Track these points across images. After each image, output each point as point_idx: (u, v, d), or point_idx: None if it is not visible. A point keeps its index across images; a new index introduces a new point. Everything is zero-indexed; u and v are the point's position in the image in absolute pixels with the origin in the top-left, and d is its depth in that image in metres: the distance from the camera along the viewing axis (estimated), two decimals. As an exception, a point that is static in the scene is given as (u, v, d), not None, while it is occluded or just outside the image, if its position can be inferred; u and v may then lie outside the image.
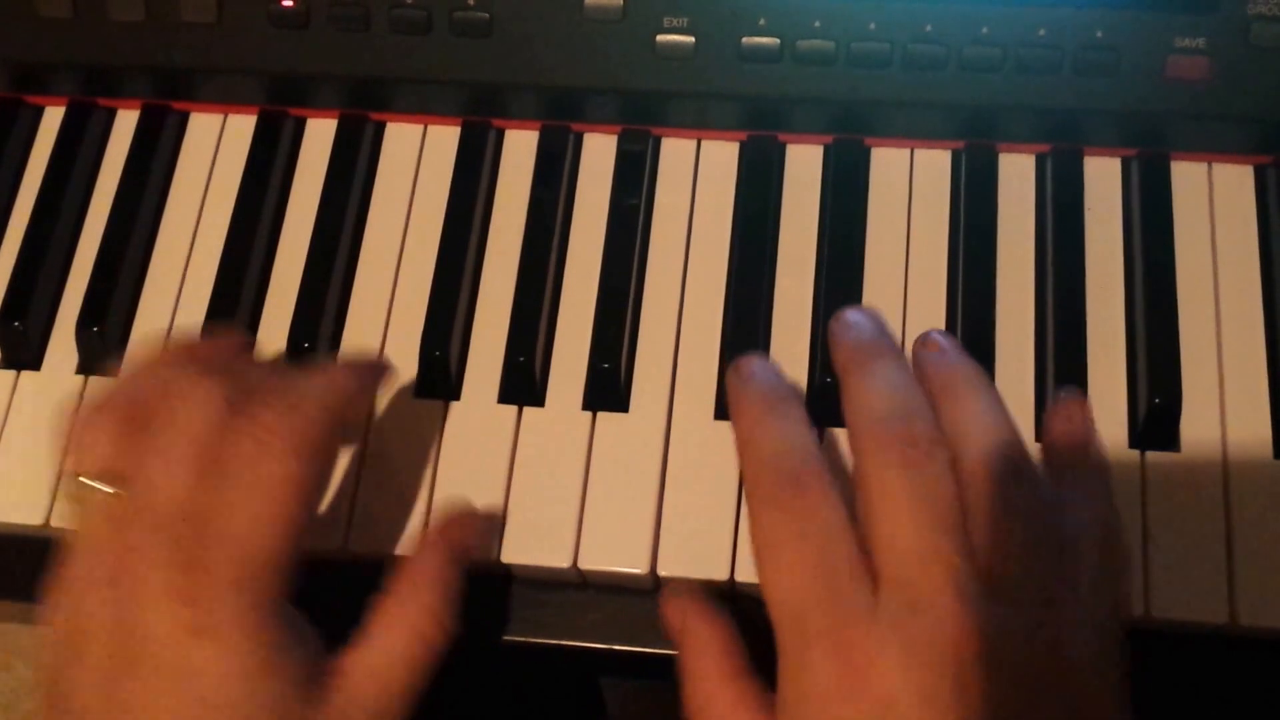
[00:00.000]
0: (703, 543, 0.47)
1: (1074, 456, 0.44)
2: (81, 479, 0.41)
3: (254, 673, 0.38)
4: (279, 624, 0.39)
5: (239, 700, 0.38)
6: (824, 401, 0.48)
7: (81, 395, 0.51)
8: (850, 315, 0.46)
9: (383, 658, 0.41)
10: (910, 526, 0.38)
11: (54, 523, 0.49)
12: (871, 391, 0.42)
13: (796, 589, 0.38)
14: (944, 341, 0.45)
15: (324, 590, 0.43)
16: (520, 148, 0.55)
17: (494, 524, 0.47)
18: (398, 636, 0.41)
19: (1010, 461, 0.40)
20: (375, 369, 0.48)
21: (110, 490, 0.40)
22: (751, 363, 0.45)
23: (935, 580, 0.37)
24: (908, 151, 0.54)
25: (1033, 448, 0.47)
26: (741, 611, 0.45)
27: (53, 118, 0.57)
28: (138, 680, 0.38)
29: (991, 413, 0.42)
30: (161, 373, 0.43)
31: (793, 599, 0.38)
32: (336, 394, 0.43)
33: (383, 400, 0.50)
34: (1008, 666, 0.36)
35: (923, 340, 0.45)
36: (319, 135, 0.56)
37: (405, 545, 0.48)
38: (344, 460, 0.49)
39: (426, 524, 0.48)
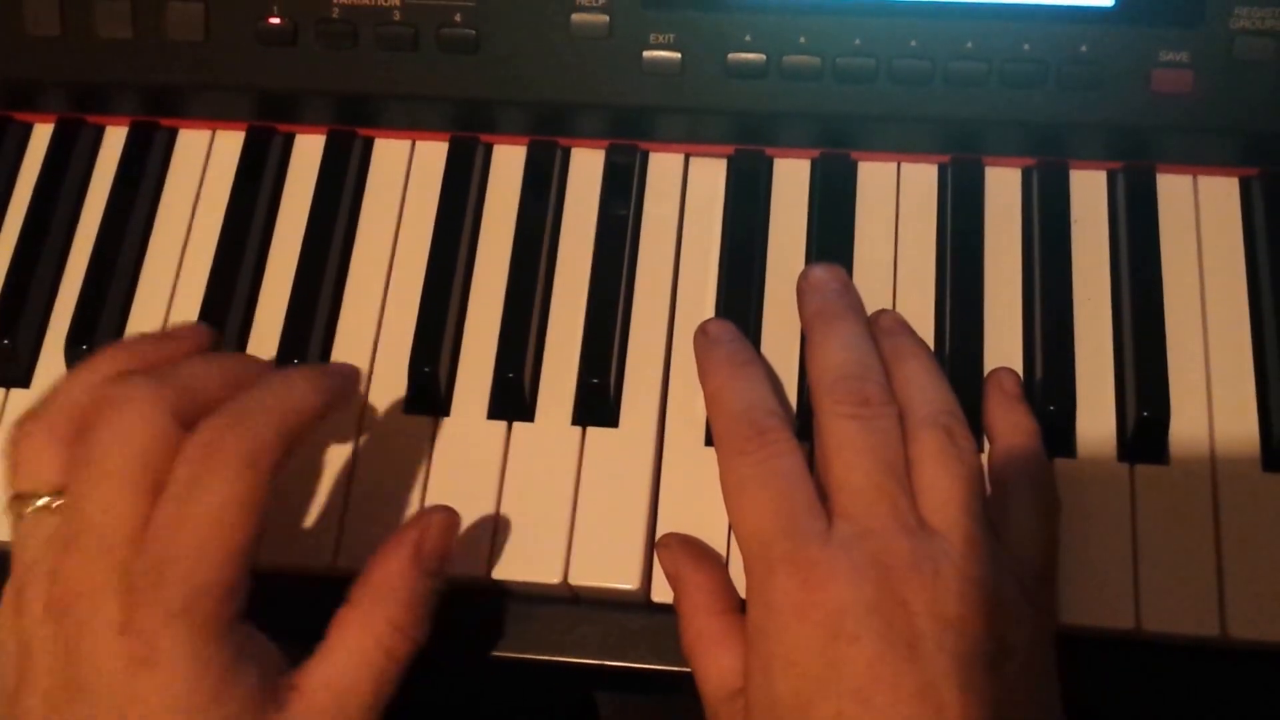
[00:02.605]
0: (692, 557, 0.47)
1: (1007, 416, 0.47)
2: (17, 496, 0.40)
3: (202, 701, 0.37)
4: (227, 648, 0.38)
5: None
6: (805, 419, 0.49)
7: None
8: (816, 275, 0.49)
9: (342, 670, 0.40)
10: (861, 470, 0.42)
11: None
12: (833, 350, 0.46)
13: (762, 522, 0.42)
14: (896, 321, 0.49)
15: (312, 605, 0.43)
16: (508, 163, 0.55)
17: (459, 522, 0.45)
18: (357, 648, 0.40)
19: (950, 418, 0.44)
20: (341, 378, 0.45)
21: (48, 506, 0.39)
22: (718, 325, 0.49)
23: (881, 513, 0.42)
24: (894, 165, 0.54)
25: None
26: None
27: (42, 134, 0.57)
28: (84, 709, 0.37)
29: (934, 379, 0.46)
30: (101, 377, 0.41)
31: (759, 530, 0.42)
32: (293, 407, 0.41)
33: (372, 416, 0.50)
34: (939, 588, 0.40)
35: (876, 317, 0.49)
36: (307, 151, 0.56)
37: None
38: (333, 477, 0.49)
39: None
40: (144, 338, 0.46)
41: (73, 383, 0.42)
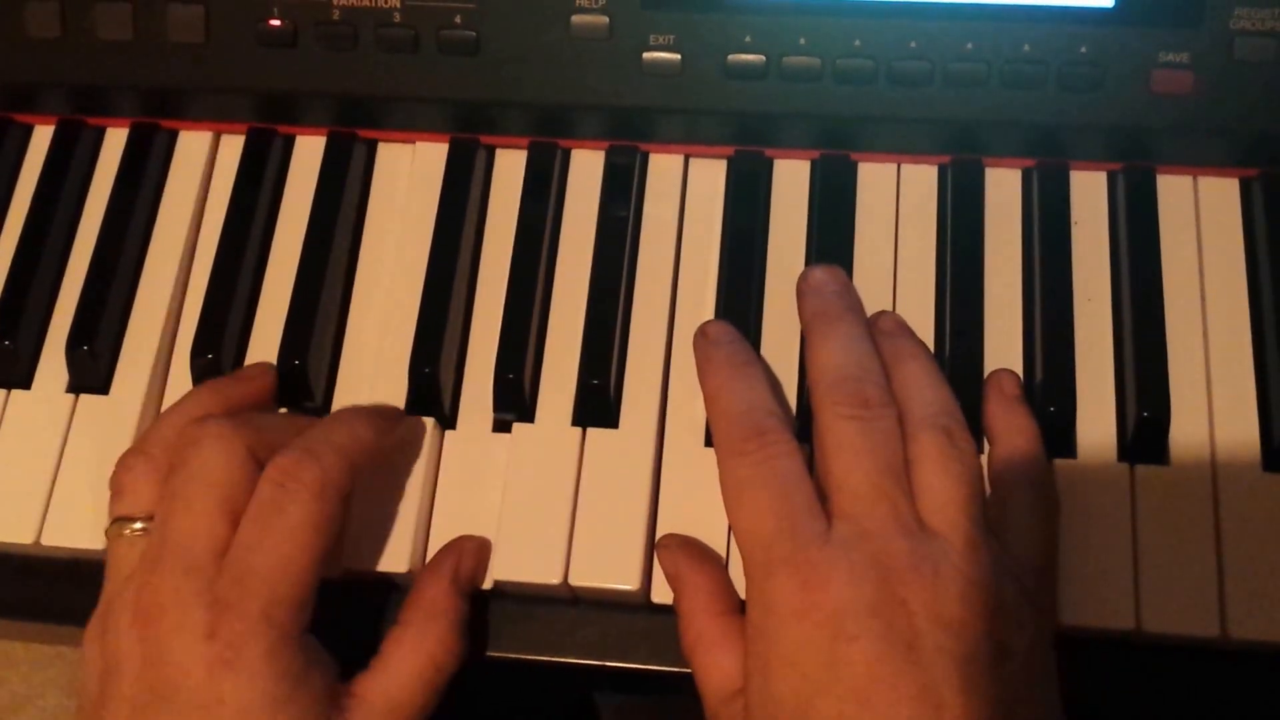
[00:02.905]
0: (693, 558, 0.47)
1: (1007, 417, 0.48)
2: (117, 520, 0.45)
3: (278, 702, 0.40)
4: (300, 656, 0.42)
5: None
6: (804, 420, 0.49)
7: (72, 414, 0.51)
8: (815, 276, 0.49)
9: (400, 683, 0.43)
10: (861, 471, 0.42)
11: (44, 541, 0.49)
12: (832, 351, 0.46)
13: (762, 523, 0.42)
14: (895, 323, 0.49)
15: (316, 605, 0.43)
16: (509, 164, 0.55)
17: (488, 548, 0.48)
18: (413, 663, 0.44)
19: (950, 419, 0.44)
20: (391, 418, 0.49)
21: (141, 530, 0.44)
22: (718, 326, 0.49)
23: (881, 514, 0.42)
24: (894, 166, 0.54)
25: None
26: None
27: (42, 136, 0.57)
28: (168, 712, 0.40)
29: (934, 381, 0.46)
30: (189, 417, 0.46)
31: (759, 531, 0.42)
32: (355, 443, 0.46)
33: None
34: (939, 589, 0.40)
35: (875, 319, 0.49)
36: (308, 153, 0.56)
37: (400, 562, 0.48)
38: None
39: (415, 539, 0.48)
40: (223, 380, 0.50)
41: (166, 421, 0.47)
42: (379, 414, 0.48)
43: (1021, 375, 0.49)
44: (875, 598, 0.40)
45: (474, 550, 0.47)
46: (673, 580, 0.46)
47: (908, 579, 0.40)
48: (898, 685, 0.39)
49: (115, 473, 0.46)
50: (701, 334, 0.49)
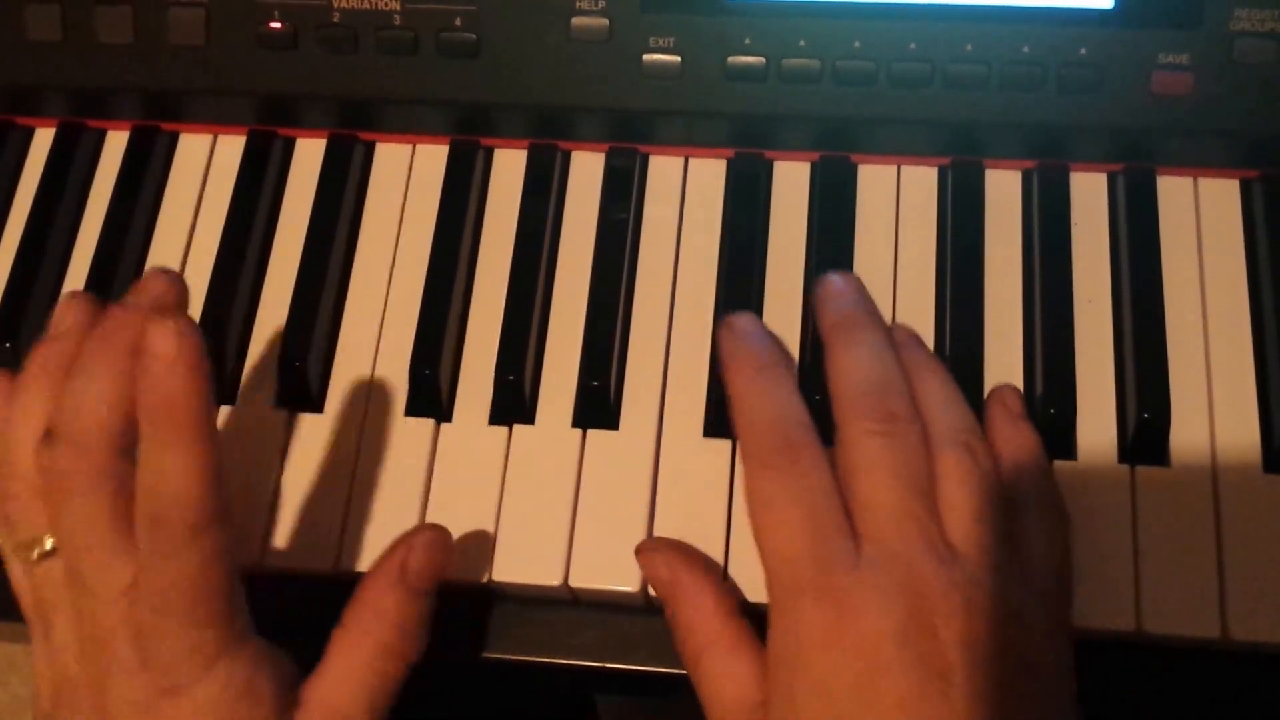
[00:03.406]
0: (693, 560, 0.47)
1: (1013, 433, 0.47)
2: (19, 545, 0.42)
3: (227, 712, 0.40)
4: (242, 667, 0.40)
5: None
6: (814, 418, 0.48)
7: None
8: (835, 283, 0.48)
9: (336, 689, 0.42)
10: (888, 489, 0.42)
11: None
12: (855, 362, 0.45)
13: (790, 543, 0.41)
14: (909, 335, 0.49)
15: (316, 606, 0.43)
16: (509, 166, 0.55)
17: (449, 540, 0.45)
18: (348, 669, 0.42)
19: (971, 435, 0.44)
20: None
21: (51, 549, 0.41)
22: (744, 320, 0.47)
23: (909, 535, 0.41)
24: (894, 168, 0.54)
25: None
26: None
27: (43, 139, 0.57)
28: None
29: (954, 395, 0.46)
30: (34, 431, 0.42)
31: (786, 551, 0.41)
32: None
33: (373, 419, 0.51)
34: (971, 618, 0.40)
35: (890, 331, 0.48)
36: (308, 155, 0.56)
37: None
38: (334, 480, 0.49)
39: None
40: (37, 353, 0.45)
41: (14, 445, 0.43)
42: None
43: (1022, 376, 0.50)
44: (906, 626, 0.39)
45: (426, 544, 0.44)
46: (667, 585, 0.44)
47: (939, 607, 0.39)
48: (930, 717, 0.38)
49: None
50: (727, 327, 0.47)
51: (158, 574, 0.39)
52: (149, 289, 0.44)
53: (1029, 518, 0.44)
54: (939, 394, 0.45)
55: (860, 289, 0.49)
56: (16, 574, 0.43)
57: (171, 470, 0.39)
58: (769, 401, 0.44)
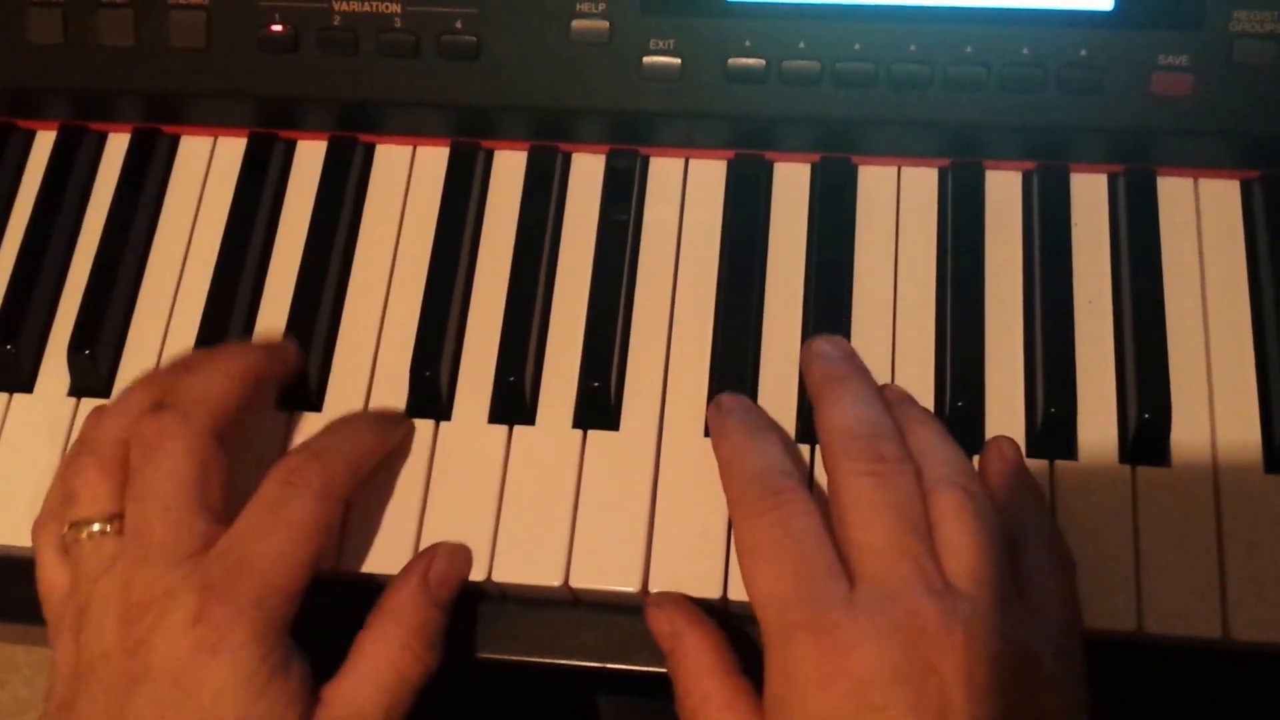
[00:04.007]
0: (694, 560, 0.47)
1: (1013, 480, 0.46)
2: (75, 524, 0.44)
3: (255, 691, 0.40)
4: (280, 650, 0.41)
5: (239, 714, 0.40)
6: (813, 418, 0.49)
7: (74, 418, 0.52)
8: (819, 345, 0.48)
9: (359, 687, 0.43)
10: (881, 528, 0.41)
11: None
12: (843, 412, 0.45)
13: (780, 585, 0.40)
14: (901, 393, 0.48)
15: (316, 608, 0.44)
16: (509, 168, 0.55)
17: (469, 556, 0.47)
18: (373, 667, 0.43)
19: (967, 479, 0.43)
20: (393, 422, 0.49)
21: (104, 531, 0.43)
22: (729, 397, 0.48)
23: (905, 574, 0.40)
24: (894, 169, 0.54)
25: (1032, 464, 0.48)
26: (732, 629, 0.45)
27: (45, 142, 0.57)
28: (145, 692, 0.40)
29: (947, 443, 0.45)
30: (136, 411, 0.45)
31: (776, 595, 0.40)
32: (361, 448, 0.46)
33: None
34: (972, 653, 0.38)
35: (880, 389, 0.48)
36: (309, 157, 0.56)
37: (397, 565, 0.47)
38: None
39: (418, 544, 0.48)
40: (159, 370, 0.49)
41: (109, 418, 0.46)
42: (382, 419, 0.49)
43: (1022, 377, 0.50)
44: (903, 663, 0.38)
45: (447, 555, 0.47)
46: (668, 639, 0.44)
47: (938, 642, 0.38)
48: None
49: (64, 476, 0.46)
50: (715, 405, 0.48)
51: (267, 523, 0.43)
52: (271, 340, 0.51)
53: (1032, 558, 0.43)
54: (933, 440, 0.44)
55: (846, 348, 0.49)
56: (50, 562, 0.45)
57: (330, 439, 0.46)
58: (754, 455, 0.44)
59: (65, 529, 0.44)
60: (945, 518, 0.41)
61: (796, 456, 0.47)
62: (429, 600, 0.45)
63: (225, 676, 0.40)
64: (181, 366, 0.48)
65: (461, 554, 0.47)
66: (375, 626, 0.44)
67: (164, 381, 0.47)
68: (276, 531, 0.43)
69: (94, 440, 0.45)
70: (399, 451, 0.49)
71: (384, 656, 0.43)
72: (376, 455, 0.47)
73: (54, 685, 0.43)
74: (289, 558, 0.42)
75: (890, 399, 0.47)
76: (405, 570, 0.46)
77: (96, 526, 0.43)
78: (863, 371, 0.48)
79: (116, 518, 0.44)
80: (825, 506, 0.43)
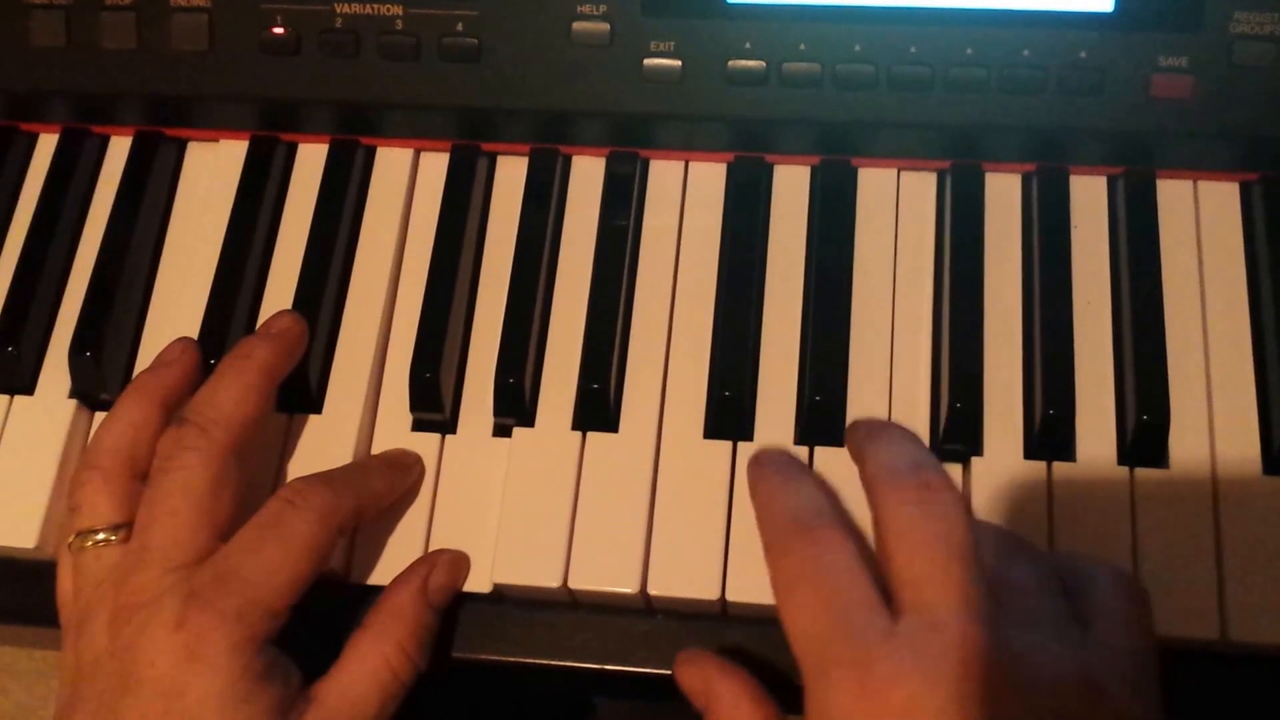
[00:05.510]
0: (693, 562, 0.47)
1: None
2: (80, 533, 0.45)
3: (236, 698, 0.41)
4: (262, 659, 0.42)
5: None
6: (813, 418, 0.49)
7: (74, 421, 0.52)
8: (857, 420, 0.48)
9: (354, 684, 0.44)
10: (926, 556, 0.38)
11: (48, 548, 0.50)
12: (885, 452, 0.43)
13: (815, 622, 0.39)
14: None
15: (317, 609, 0.44)
16: (510, 171, 0.55)
17: (469, 565, 0.48)
18: (369, 666, 0.44)
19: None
20: (408, 471, 0.49)
21: (107, 541, 0.45)
22: (768, 452, 0.48)
23: (951, 602, 0.37)
24: (894, 171, 0.54)
25: (1031, 466, 0.48)
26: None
27: (47, 144, 0.58)
28: (131, 698, 0.41)
29: None
30: (128, 424, 0.47)
31: (812, 631, 0.39)
32: (367, 490, 0.47)
33: (376, 423, 0.51)
34: (1022, 686, 0.37)
35: None
36: (310, 160, 0.56)
37: (401, 569, 0.48)
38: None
39: (426, 547, 0.48)
40: (145, 375, 0.49)
41: (108, 430, 0.47)
42: (394, 466, 0.49)
43: (1021, 378, 0.50)
44: (949, 696, 0.36)
45: (448, 563, 0.47)
46: (702, 696, 0.43)
47: (990, 675, 0.36)
48: None
49: (71, 489, 0.47)
50: (753, 459, 0.47)
51: (263, 537, 0.43)
52: (275, 324, 0.50)
53: (1097, 595, 0.41)
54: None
55: (879, 418, 0.48)
56: (61, 572, 0.46)
57: (346, 473, 0.48)
58: (786, 496, 0.43)
59: (72, 538, 0.45)
60: (993, 545, 0.41)
61: (834, 499, 0.45)
62: (427, 605, 0.46)
63: (206, 683, 0.41)
64: (179, 367, 0.49)
65: (462, 563, 0.48)
66: (374, 626, 0.45)
67: (155, 387, 0.48)
68: (269, 546, 0.43)
69: (95, 452, 0.47)
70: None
71: (381, 655, 0.44)
72: (380, 501, 0.48)
73: (60, 689, 0.44)
74: (278, 574, 0.43)
75: None
76: (407, 573, 0.47)
77: (101, 536, 0.45)
78: (900, 426, 0.46)
79: (121, 527, 0.45)
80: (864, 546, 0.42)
